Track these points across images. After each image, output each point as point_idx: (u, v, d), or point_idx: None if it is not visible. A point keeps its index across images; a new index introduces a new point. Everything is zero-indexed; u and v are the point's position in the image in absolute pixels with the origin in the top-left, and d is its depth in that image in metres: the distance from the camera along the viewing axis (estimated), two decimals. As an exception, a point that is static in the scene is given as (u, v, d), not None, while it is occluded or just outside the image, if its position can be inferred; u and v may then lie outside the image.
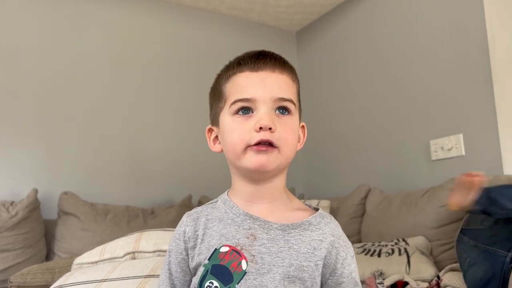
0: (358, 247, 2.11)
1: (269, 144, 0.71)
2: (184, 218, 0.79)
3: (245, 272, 0.70)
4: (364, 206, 2.47)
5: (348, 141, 2.89)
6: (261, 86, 0.73)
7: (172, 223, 2.33)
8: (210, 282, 0.70)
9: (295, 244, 0.72)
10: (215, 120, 0.79)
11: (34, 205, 2.14)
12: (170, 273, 0.77)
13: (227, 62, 0.80)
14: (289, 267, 0.71)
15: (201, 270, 0.72)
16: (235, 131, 0.72)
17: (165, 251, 1.30)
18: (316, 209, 0.80)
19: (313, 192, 3.09)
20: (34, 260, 2.05)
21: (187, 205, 2.57)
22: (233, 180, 0.79)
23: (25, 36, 2.40)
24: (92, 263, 1.34)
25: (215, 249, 0.72)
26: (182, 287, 0.78)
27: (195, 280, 0.73)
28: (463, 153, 2.19)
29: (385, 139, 2.64)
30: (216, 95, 0.78)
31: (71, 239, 2.16)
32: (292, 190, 3.02)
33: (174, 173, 2.75)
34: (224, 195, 0.80)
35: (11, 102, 2.31)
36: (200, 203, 2.64)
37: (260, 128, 0.70)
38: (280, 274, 0.70)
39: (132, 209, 2.40)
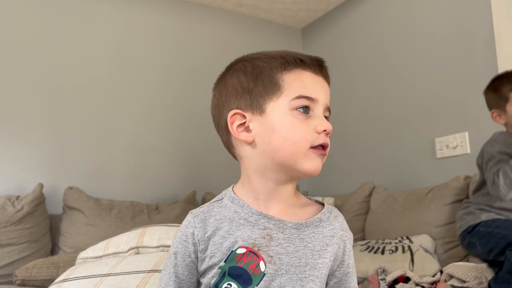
0: (362, 245, 2.11)
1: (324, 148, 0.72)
2: (190, 218, 0.75)
3: (264, 274, 0.69)
4: (368, 204, 2.47)
5: (353, 138, 2.89)
6: (322, 90, 0.73)
7: (176, 219, 2.34)
8: (228, 284, 0.69)
9: (310, 243, 0.72)
10: (254, 107, 0.72)
11: (40, 200, 2.15)
12: (177, 276, 0.74)
13: (236, 57, 0.78)
14: (305, 266, 0.71)
15: (215, 272, 0.70)
16: (297, 128, 0.70)
17: (169, 246, 1.30)
18: (320, 203, 0.80)
19: (317, 189, 3.09)
20: (39, 255, 2.07)
21: (191, 201, 2.58)
22: (248, 177, 0.75)
23: (32, 30, 2.40)
24: (96, 257, 1.35)
25: (232, 251, 0.70)
26: None
27: (207, 281, 0.71)
28: (468, 151, 2.18)
29: (390, 136, 2.63)
30: (261, 80, 0.72)
31: (76, 234, 2.17)
32: (297, 188, 3.01)
33: (179, 169, 2.76)
34: (229, 193, 0.76)
35: (17, 97, 2.32)
36: (204, 199, 2.65)
37: (323, 131, 0.71)
38: (297, 274, 0.70)
39: (137, 204, 2.41)
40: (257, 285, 0.68)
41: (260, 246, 0.70)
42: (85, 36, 2.56)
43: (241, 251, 0.70)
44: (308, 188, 3.17)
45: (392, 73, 2.64)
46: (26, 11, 2.41)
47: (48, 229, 2.20)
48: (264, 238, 0.70)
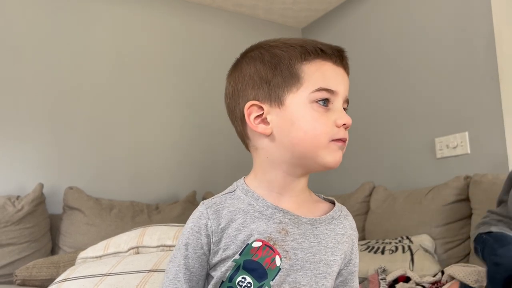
0: (362, 244, 2.11)
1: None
2: (202, 210, 0.72)
3: (280, 269, 0.67)
4: (368, 204, 2.47)
5: (353, 138, 2.86)
6: (342, 82, 0.73)
7: (177, 219, 2.34)
8: (242, 277, 0.67)
9: (323, 239, 0.72)
10: (273, 99, 0.70)
11: (40, 200, 2.16)
12: (187, 268, 0.71)
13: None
14: (319, 263, 0.70)
15: (229, 265, 0.69)
16: (318, 121, 0.69)
17: (169, 246, 1.30)
18: (331, 201, 0.79)
19: (317, 189, 3.05)
20: (39, 254, 2.07)
21: (192, 201, 2.58)
22: (262, 169, 0.73)
23: (33, 30, 2.41)
24: (96, 257, 1.35)
25: (247, 244, 0.68)
26: (198, 282, 0.73)
27: (220, 274, 0.70)
28: (468, 151, 2.18)
29: (390, 136, 2.63)
30: (280, 70, 0.70)
31: (76, 234, 2.18)
32: (297, 187, 3.01)
33: (179, 169, 2.76)
34: (241, 184, 0.74)
35: (18, 97, 2.32)
36: (204, 199, 2.64)
37: (343, 124, 0.70)
38: (312, 270, 0.69)
39: (137, 204, 2.41)
40: (272, 280, 0.67)
41: (276, 240, 0.68)
42: (85, 37, 2.57)
43: (257, 244, 0.68)
44: (309, 187, 3.17)
45: (392, 73, 2.64)
46: (27, 12, 2.41)
47: (48, 229, 2.20)
48: (280, 233, 0.69)
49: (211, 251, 0.71)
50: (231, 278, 0.68)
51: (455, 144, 2.22)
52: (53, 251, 2.20)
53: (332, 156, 0.70)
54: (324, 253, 0.71)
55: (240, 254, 0.68)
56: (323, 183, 3.08)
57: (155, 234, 1.34)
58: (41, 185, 2.18)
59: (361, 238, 2.39)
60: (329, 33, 3.15)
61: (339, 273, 0.75)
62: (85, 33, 2.57)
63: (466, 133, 2.19)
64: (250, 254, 0.68)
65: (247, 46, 0.77)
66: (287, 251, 0.69)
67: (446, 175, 2.18)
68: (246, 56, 0.75)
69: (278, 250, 0.68)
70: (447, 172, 2.22)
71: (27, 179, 2.26)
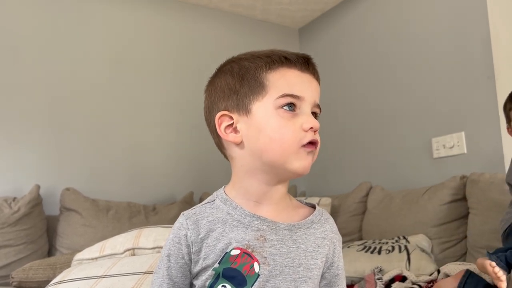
0: (359, 245, 2.11)
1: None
2: (182, 220, 0.74)
3: (258, 275, 0.69)
4: (365, 204, 2.47)
5: (350, 138, 2.89)
6: (309, 87, 0.74)
7: (174, 220, 2.31)
8: (222, 285, 0.69)
9: (302, 244, 0.73)
10: (241, 108, 0.72)
11: (36, 201, 2.15)
12: (170, 278, 0.74)
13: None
14: (299, 267, 0.71)
15: (209, 274, 0.70)
16: (284, 127, 0.70)
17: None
18: (311, 205, 0.80)
19: (315, 190, 3.09)
20: (36, 256, 2.06)
21: (189, 202, 2.58)
22: (239, 178, 0.75)
23: (29, 32, 2.40)
24: (92, 259, 1.35)
25: (226, 253, 0.70)
26: None
27: (201, 283, 0.71)
28: (465, 151, 2.18)
29: (387, 136, 2.63)
30: (247, 81, 0.73)
31: (73, 235, 2.17)
32: (294, 188, 3.02)
33: (176, 170, 2.75)
34: (221, 194, 0.76)
35: (14, 98, 2.32)
36: (201, 200, 2.64)
37: (310, 128, 0.71)
38: (291, 275, 0.70)
39: (134, 205, 2.41)
40: (251, 286, 0.68)
41: (254, 248, 0.70)
42: (82, 38, 2.56)
43: (235, 252, 0.70)
44: (306, 188, 3.17)
45: (389, 73, 2.64)
46: (26, 12, 2.40)
47: (45, 230, 2.19)
48: (258, 240, 0.70)
49: (192, 260, 0.73)
50: (211, 286, 0.70)
51: (452, 144, 2.23)
52: (50, 252, 2.20)
53: (300, 163, 0.71)
54: (304, 257, 0.72)
55: (219, 263, 0.70)
56: (320, 183, 3.09)
57: (151, 235, 1.35)
58: (38, 187, 2.18)
59: (358, 238, 2.40)
60: (326, 33, 3.15)
61: (322, 277, 0.76)
62: (82, 34, 2.56)
63: (463, 133, 2.19)
64: (229, 262, 0.69)
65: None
66: (265, 257, 0.70)
67: (443, 175, 2.18)
68: (219, 70, 0.79)
69: (256, 256, 0.69)
70: (444, 172, 2.22)
71: (23, 181, 2.26)
